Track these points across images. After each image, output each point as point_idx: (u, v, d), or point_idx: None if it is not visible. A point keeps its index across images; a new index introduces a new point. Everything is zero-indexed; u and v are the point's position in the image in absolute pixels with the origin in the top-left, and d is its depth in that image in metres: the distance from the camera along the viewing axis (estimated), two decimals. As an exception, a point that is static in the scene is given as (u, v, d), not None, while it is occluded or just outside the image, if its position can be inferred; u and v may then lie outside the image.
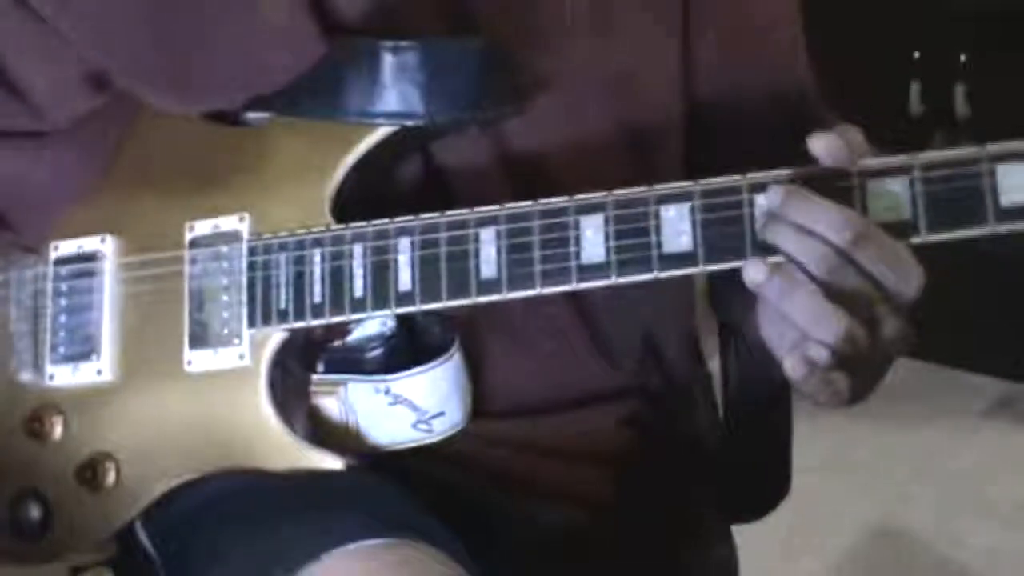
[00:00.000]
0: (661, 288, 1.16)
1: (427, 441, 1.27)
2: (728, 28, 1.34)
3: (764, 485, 1.56)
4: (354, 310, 1.21)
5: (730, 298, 1.34)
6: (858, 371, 1.11)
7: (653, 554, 1.38)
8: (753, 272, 1.09)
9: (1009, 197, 1.07)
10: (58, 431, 1.30)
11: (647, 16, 1.32)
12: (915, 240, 1.09)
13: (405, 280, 1.20)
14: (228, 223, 1.27)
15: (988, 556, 2.72)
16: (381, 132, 1.23)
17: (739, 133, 1.32)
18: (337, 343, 1.28)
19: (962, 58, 2.86)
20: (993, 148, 1.07)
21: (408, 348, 1.27)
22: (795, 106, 1.35)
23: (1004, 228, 1.07)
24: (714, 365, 1.52)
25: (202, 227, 1.27)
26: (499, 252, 1.17)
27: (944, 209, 1.08)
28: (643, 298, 1.24)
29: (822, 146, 1.09)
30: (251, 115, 1.29)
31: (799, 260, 1.08)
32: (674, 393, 1.42)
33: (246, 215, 1.26)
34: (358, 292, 1.21)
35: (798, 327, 1.08)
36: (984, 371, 3.21)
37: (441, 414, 1.26)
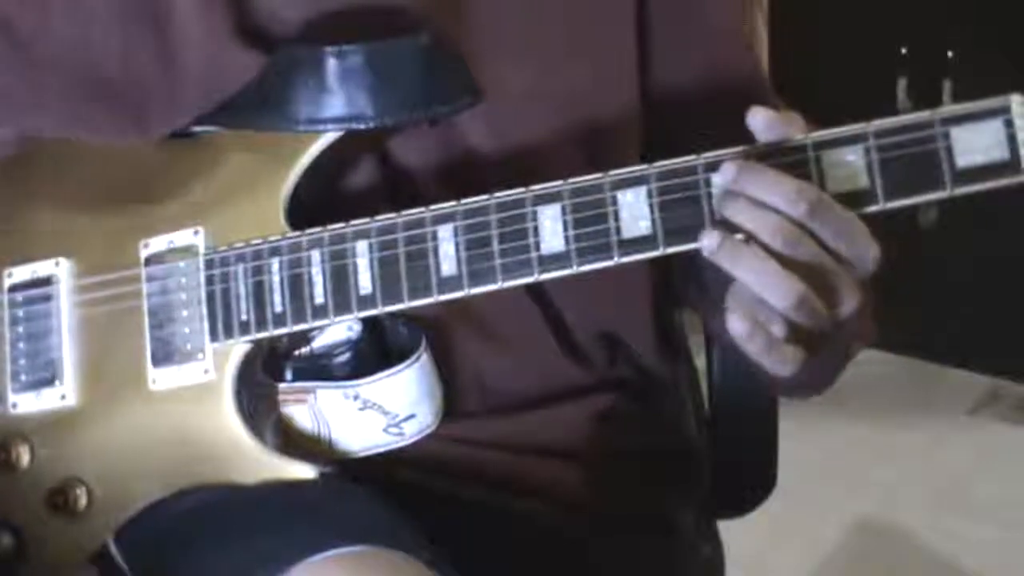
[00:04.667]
0: (616, 280, 1.19)
1: (399, 445, 1.28)
2: (681, 32, 1.36)
3: (750, 481, 1.58)
4: (316, 317, 1.23)
5: (703, 296, 1.36)
6: (820, 348, 1.14)
7: (633, 551, 1.39)
8: (706, 241, 1.11)
9: (965, 159, 1.09)
10: (25, 459, 1.31)
11: (601, 28, 1.34)
12: (874, 208, 1.11)
13: (365, 283, 1.21)
14: (183, 238, 1.28)
15: (975, 552, 2.73)
16: (330, 136, 1.25)
17: (696, 136, 1.35)
18: (304, 350, 1.29)
19: (949, 54, 2.89)
20: (945, 111, 1.10)
21: (376, 351, 1.28)
22: (748, 101, 1.38)
23: (961, 191, 1.09)
24: (700, 362, 1.54)
25: (157, 244, 1.29)
26: (458, 248, 1.19)
27: (901, 175, 1.10)
28: (599, 290, 1.26)
29: (759, 120, 1.12)
30: (196, 128, 1.31)
31: (756, 233, 1.10)
32: (652, 388, 1.43)
33: (200, 229, 1.28)
34: (319, 299, 1.22)
35: (752, 293, 1.11)
36: (971, 367, 3.22)
37: (412, 417, 1.28)
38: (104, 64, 1.31)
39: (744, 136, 1.14)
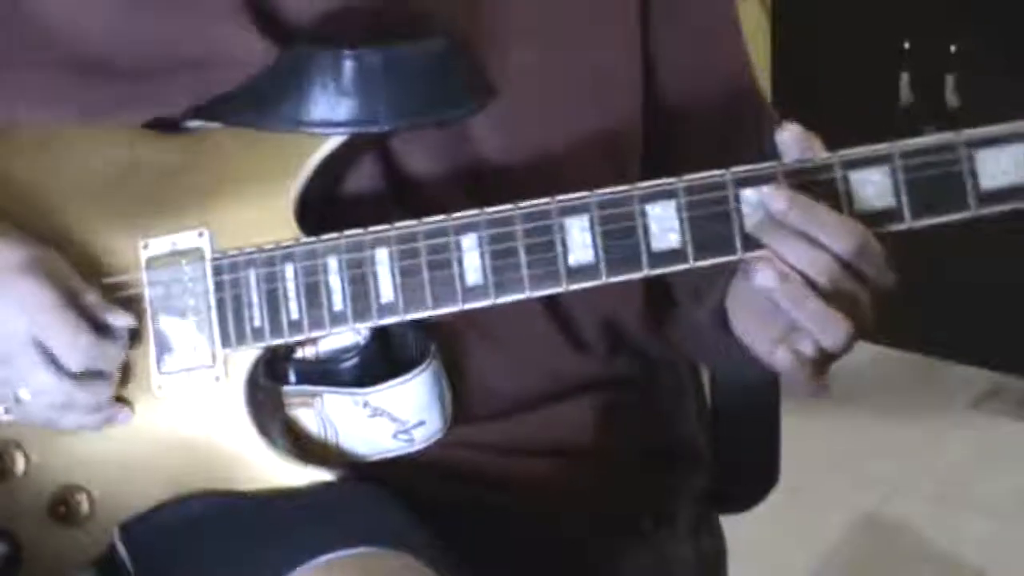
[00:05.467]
0: None
1: (408, 450, 1.30)
2: (684, 32, 1.38)
3: (752, 476, 1.60)
4: (334, 324, 1.24)
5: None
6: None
7: (635, 547, 1.41)
8: (763, 279, 1.15)
9: (990, 181, 1.14)
10: (20, 466, 1.30)
11: (606, 25, 1.35)
12: (900, 227, 1.16)
13: (387, 291, 1.22)
14: (187, 240, 1.27)
15: (979, 547, 2.77)
16: (339, 137, 1.25)
17: (693, 136, 1.37)
18: (309, 354, 1.30)
19: (952, 48, 2.89)
20: (970, 133, 1.15)
21: (383, 357, 1.29)
22: (747, 107, 1.41)
23: (986, 211, 1.15)
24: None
25: (158, 245, 1.28)
26: (483, 258, 1.21)
27: (927, 196, 1.15)
28: None
29: (787, 136, 1.16)
30: (195, 123, 1.30)
31: (803, 270, 1.14)
32: (654, 383, 1.45)
33: (205, 230, 1.27)
34: (337, 306, 1.23)
35: (806, 331, 1.15)
36: (973, 362, 3.24)
37: (421, 423, 1.29)
38: (101, 40, 1.30)
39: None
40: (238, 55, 1.27)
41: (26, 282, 1.22)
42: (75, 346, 1.22)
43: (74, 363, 1.23)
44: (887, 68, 2.94)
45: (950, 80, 2.86)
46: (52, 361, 1.22)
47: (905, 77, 2.93)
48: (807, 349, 1.16)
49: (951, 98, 2.83)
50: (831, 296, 1.14)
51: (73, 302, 1.23)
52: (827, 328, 1.14)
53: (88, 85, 1.30)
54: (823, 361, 1.17)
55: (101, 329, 1.24)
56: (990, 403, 3.20)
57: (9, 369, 1.23)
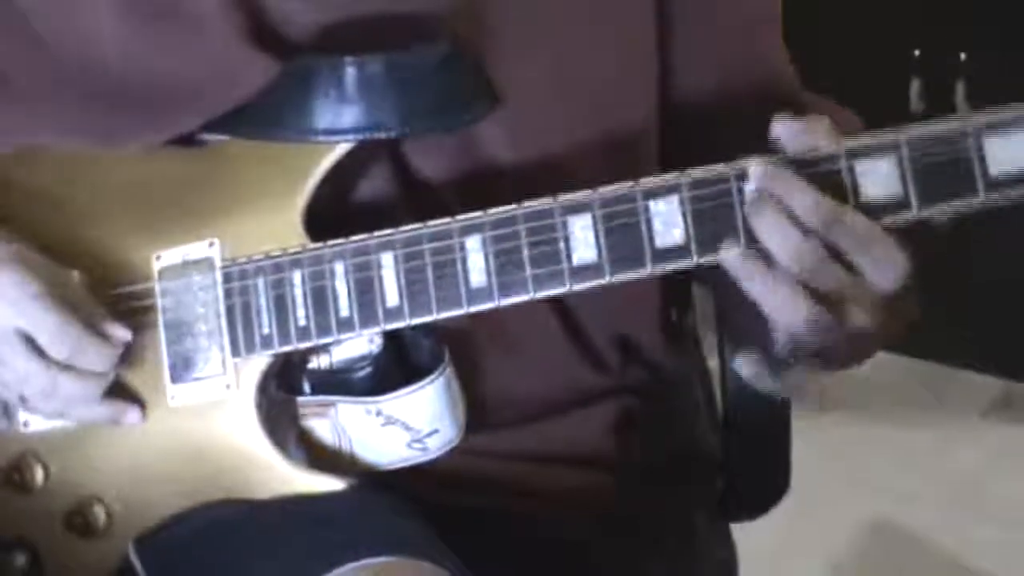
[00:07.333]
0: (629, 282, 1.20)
1: (422, 459, 1.29)
2: (707, 23, 1.36)
3: (763, 484, 1.59)
4: (341, 330, 1.24)
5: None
6: (826, 361, 1.18)
7: (649, 555, 1.41)
8: (726, 253, 1.14)
9: (999, 167, 1.11)
10: (39, 478, 1.31)
11: (615, 28, 1.34)
12: (908, 216, 1.13)
13: (392, 295, 1.22)
14: (197, 250, 1.28)
15: (989, 554, 2.76)
16: (346, 145, 1.25)
17: (720, 129, 1.35)
18: (323, 364, 1.30)
19: (962, 56, 2.89)
20: (979, 119, 1.12)
21: (397, 365, 1.29)
22: (776, 96, 1.37)
23: (995, 198, 1.12)
24: (713, 364, 1.54)
25: (170, 256, 1.29)
26: (487, 259, 1.20)
27: (935, 184, 1.12)
28: (609, 290, 1.25)
29: (781, 131, 1.14)
30: (206, 136, 1.31)
31: (776, 254, 1.13)
32: (666, 391, 1.45)
33: (215, 240, 1.28)
34: (344, 312, 1.23)
35: (765, 312, 1.14)
36: (984, 370, 3.23)
37: (435, 432, 1.28)
38: (114, 71, 1.31)
39: (763, 135, 1.16)
40: (243, 76, 1.27)
41: (8, 273, 1.23)
42: (60, 336, 1.22)
43: (58, 352, 1.23)
44: (897, 76, 2.94)
45: (960, 88, 2.86)
46: (36, 349, 1.23)
47: (916, 85, 2.93)
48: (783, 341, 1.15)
49: (962, 106, 2.83)
50: (804, 279, 1.12)
51: (58, 292, 1.24)
52: (784, 307, 1.12)
53: (105, 115, 1.31)
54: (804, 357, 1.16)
55: (99, 336, 1.24)
56: (1001, 411, 3.18)
57: (6, 370, 1.24)
